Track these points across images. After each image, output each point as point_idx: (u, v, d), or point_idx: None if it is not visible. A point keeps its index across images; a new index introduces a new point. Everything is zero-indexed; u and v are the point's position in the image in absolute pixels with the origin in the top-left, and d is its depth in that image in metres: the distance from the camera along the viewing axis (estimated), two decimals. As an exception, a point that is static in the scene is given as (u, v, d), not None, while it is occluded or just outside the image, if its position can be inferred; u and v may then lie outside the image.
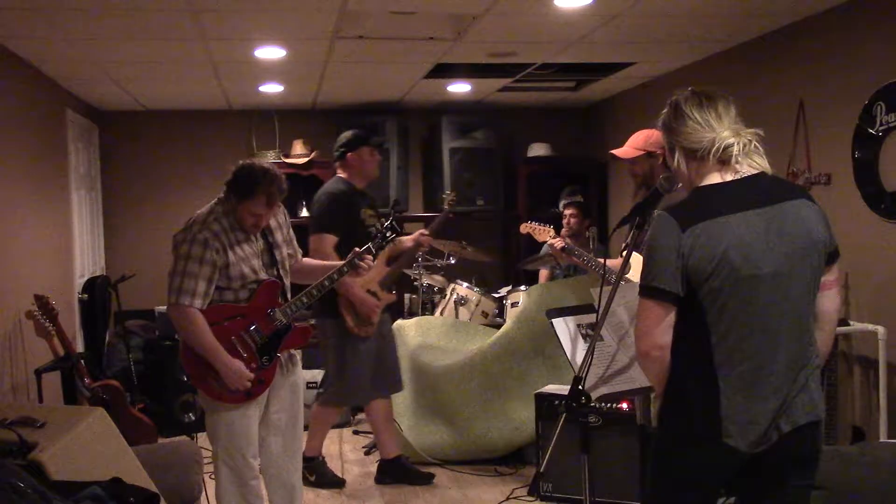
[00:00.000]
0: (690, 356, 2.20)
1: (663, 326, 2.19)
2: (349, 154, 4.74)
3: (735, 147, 2.21)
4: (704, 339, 2.18)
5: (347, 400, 4.79)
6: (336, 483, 4.89)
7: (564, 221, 6.40)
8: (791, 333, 2.19)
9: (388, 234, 3.76)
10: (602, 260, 3.42)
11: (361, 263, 3.64)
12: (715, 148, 2.21)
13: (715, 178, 2.25)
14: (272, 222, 3.59)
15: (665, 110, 2.36)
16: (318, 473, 4.86)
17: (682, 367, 2.21)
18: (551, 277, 6.35)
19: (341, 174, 4.79)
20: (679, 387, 2.23)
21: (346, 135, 4.82)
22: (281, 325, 3.48)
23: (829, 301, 2.32)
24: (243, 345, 3.42)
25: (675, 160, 2.32)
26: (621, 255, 4.13)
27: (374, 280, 4.64)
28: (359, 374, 4.66)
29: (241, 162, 3.50)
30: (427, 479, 4.88)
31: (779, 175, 2.34)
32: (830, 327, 2.36)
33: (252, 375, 3.42)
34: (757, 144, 2.25)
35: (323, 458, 4.96)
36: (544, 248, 5.93)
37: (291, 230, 3.76)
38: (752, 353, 2.16)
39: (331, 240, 4.55)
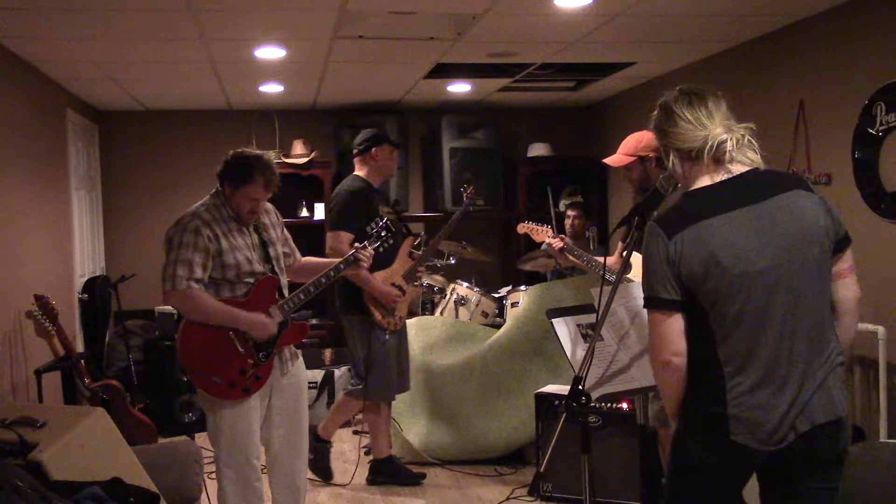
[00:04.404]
0: (697, 359, 2.19)
1: (676, 333, 2.18)
2: (374, 149, 4.74)
3: (728, 143, 2.20)
4: (709, 341, 2.17)
5: (379, 395, 4.82)
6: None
7: (568, 223, 6.39)
8: (800, 330, 2.15)
9: (382, 234, 3.75)
10: (602, 259, 3.37)
11: (360, 258, 3.65)
12: (709, 146, 2.20)
13: (705, 181, 2.23)
14: (265, 220, 3.59)
15: (655, 112, 2.34)
16: (316, 453, 4.87)
17: (690, 370, 2.20)
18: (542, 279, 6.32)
19: (359, 172, 4.81)
20: (689, 389, 2.22)
21: (368, 131, 4.86)
22: (278, 321, 3.49)
23: (844, 289, 2.27)
24: (241, 340, 3.41)
25: (671, 162, 2.30)
26: (620, 256, 4.13)
27: (398, 273, 4.68)
28: (387, 367, 4.68)
29: (231, 152, 3.50)
30: (417, 480, 4.87)
31: (775, 168, 2.32)
32: (850, 318, 2.30)
33: (276, 323, 3.44)
34: (750, 139, 2.23)
35: (330, 443, 5.01)
36: (542, 248, 5.93)
37: (286, 230, 3.76)
38: (756, 352, 2.14)
39: (347, 237, 4.53)
